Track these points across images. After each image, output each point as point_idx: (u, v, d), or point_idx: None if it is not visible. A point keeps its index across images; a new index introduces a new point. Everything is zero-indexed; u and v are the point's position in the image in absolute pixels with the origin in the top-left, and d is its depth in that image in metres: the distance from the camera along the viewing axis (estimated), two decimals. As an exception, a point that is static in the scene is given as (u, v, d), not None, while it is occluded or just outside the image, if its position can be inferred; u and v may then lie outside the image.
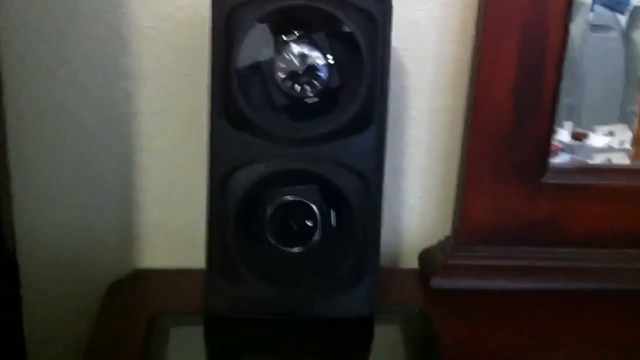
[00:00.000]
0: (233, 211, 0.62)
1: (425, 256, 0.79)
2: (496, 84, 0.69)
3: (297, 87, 0.59)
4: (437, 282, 0.74)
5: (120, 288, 0.72)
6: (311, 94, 0.60)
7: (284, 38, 0.59)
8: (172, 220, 0.76)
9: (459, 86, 0.74)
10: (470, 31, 0.72)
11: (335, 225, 0.62)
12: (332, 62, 0.59)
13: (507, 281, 0.74)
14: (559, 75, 0.69)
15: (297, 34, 0.59)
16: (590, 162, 0.77)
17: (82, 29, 0.67)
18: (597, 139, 0.79)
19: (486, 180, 0.73)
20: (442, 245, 0.78)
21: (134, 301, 0.70)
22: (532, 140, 0.71)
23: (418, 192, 0.78)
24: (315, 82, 0.59)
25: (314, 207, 0.61)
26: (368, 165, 0.62)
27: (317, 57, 0.59)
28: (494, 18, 0.67)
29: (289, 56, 0.59)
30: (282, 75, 0.59)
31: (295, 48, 0.59)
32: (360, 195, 0.62)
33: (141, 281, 0.74)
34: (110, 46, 0.69)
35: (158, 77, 0.71)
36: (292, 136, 0.61)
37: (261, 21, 0.58)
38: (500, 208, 0.73)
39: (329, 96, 0.60)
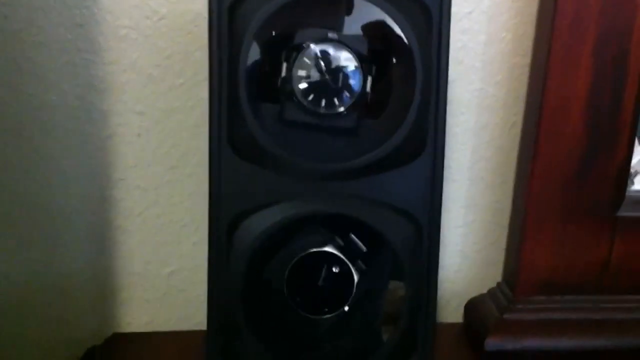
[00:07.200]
0: (242, 269, 0.48)
1: (473, 308, 0.67)
2: (566, 100, 0.58)
3: (323, 101, 0.47)
4: (493, 343, 0.62)
5: (97, 356, 0.61)
6: (340, 109, 0.47)
7: (303, 37, 0.47)
8: (159, 269, 0.65)
9: (514, 98, 0.64)
10: (529, 28, 0.62)
11: (377, 285, 0.50)
12: (369, 65, 0.47)
13: (576, 339, 0.62)
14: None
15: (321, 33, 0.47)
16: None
17: (44, 32, 0.57)
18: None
19: (551, 215, 0.61)
20: (494, 294, 0.66)
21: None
22: (607, 166, 0.60)
23: (460, 229, 0.68)
24: (346, 93, 0.47)
25: (347, 261, 0.49)
26: (420, 205, 0.49)
27: (346, 59, 0.46)
28: (564, 16, 0.56)
29: (310, 60, 0.46)
30: (301, 86, 0.46)
31: (318, 48, 0.46)
32: (409, 246, 0.49)
33: (123, 347, 0.62)
34: (78, 51, 0.58)
35: (140, 88, 0.59)
36: (319, 169, 0.48)
37: (274, 16, 0.46)
38: (567, 249, 0.62)
39: (365, 113, 0.48)
